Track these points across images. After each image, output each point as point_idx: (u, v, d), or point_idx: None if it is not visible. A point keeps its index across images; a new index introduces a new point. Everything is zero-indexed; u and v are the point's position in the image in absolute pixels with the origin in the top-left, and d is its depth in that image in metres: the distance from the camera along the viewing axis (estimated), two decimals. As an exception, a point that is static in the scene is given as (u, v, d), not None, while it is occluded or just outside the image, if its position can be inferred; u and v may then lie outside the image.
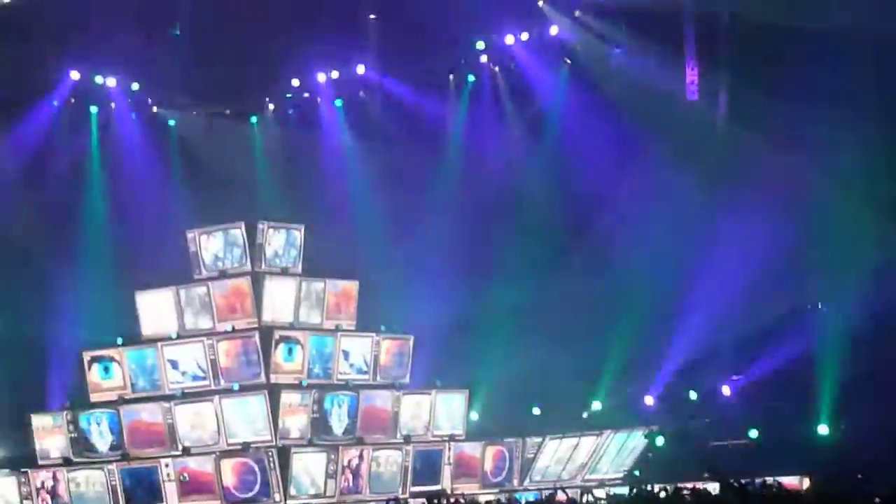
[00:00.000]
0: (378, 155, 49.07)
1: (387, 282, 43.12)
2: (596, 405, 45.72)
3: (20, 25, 44.11)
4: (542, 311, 44.20)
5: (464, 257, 45.16)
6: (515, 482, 41.16)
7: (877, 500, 18.77)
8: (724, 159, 43.16)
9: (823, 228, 41.12)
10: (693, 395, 45.70)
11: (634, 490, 23.40)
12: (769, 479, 24.03)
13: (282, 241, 40.15)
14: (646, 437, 42.82)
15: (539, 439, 41.74)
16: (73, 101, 49.56)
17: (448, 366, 42.98)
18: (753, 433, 43.32)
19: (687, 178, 42.62)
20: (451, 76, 49.94)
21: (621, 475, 41.95)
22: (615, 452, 42.46)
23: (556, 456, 41.89)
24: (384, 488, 38.05)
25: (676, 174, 42.74)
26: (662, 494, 21.89)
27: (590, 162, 44.97)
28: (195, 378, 38.64)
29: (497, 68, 49.22)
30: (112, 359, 39.93)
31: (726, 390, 45.21)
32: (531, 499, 33.20)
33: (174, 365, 38.87)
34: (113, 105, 50.78)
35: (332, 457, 37.37)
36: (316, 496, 36.58)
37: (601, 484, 39.66)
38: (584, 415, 45.81)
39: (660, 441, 43.53)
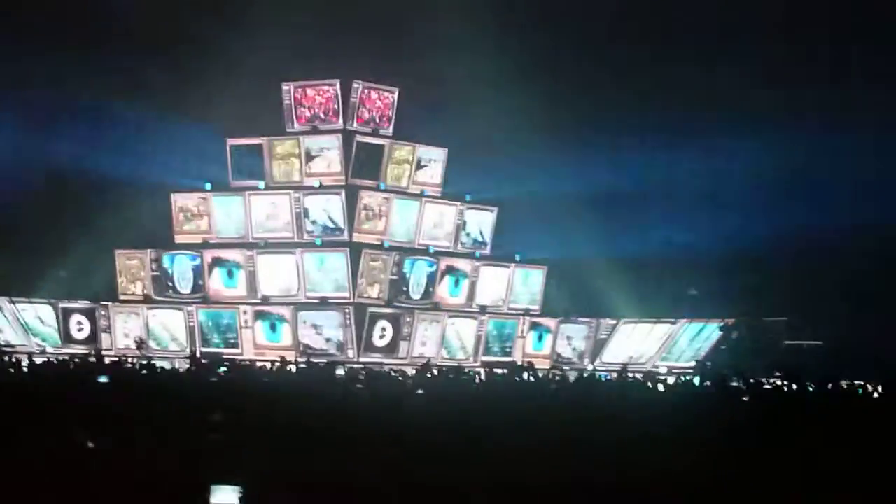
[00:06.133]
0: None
1: (477, 151, 42.78)
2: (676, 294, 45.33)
3: None
4: (630, 192, 43.71)
5: (558, 130, 44.42)
6: (586, 361, 41.33)
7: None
8: None
9: None
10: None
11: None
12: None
13: (375, 102, 40.14)
14: (721, 329, 42.64)
15: (613, 322, 41.82)
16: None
17: (531, 240, 42.82)
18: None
19: None
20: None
21: (692, 364, 41.82)
22: (688, 342, 42.42)
23: (629, 340, 41.97)
24: (455, 355, 38.43)
25: None
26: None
27: None
28: (279, 230, 38.98)
29: None
30: (199, 203, 40.35)
31: None
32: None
33: (260, 214, 39.22)
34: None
35: (408, 319, 37.72)
36: (389, 355, 36.97)
37: (670, 371, 39.59)
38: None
39: (735, 335, 43.27)
